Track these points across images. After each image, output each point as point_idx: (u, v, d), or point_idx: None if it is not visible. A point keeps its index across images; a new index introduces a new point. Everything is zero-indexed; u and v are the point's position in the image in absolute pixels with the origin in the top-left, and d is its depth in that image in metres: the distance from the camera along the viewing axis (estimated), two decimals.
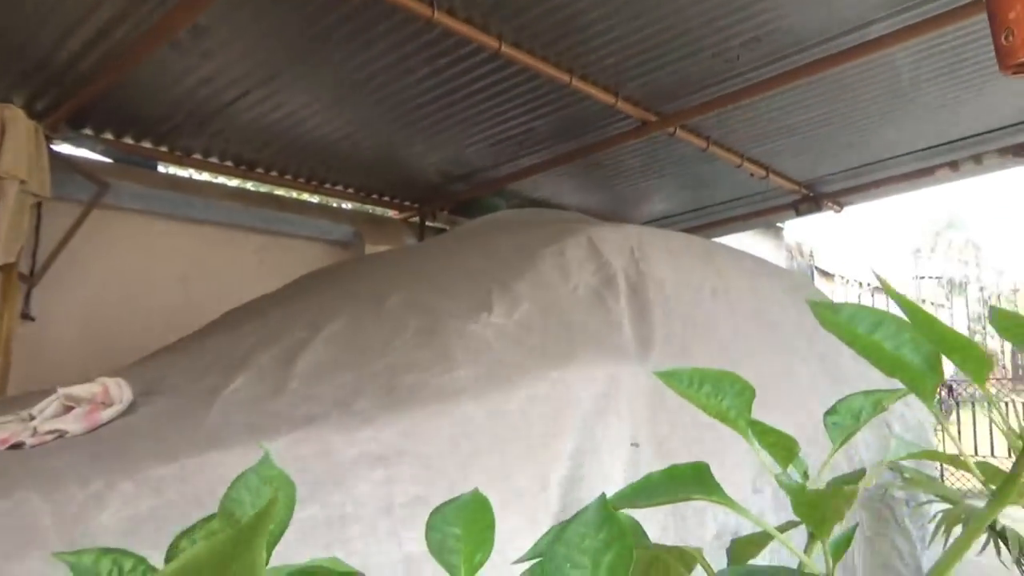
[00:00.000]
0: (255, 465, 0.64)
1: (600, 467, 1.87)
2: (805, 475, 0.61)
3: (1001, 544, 3.23)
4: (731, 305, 2.90)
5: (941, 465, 8.01)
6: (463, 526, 0.54)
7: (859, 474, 0.53)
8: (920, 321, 0.47)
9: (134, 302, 4.41)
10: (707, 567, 0.59)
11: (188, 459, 1.53)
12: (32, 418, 1.81)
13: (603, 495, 0.39)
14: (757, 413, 2.44)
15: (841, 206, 6.14)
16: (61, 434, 1.75)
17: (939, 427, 8.48)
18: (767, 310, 3.12)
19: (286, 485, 0.58)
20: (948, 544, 3.33)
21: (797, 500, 0.52)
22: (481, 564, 0.52)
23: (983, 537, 3.34)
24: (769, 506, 2.39)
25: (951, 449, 8.85)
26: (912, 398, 2.57)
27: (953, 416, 9.64)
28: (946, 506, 3.22)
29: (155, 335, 4.15)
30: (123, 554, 0.48)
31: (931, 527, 3.34)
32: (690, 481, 0.50)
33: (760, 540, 0.55)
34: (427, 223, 6.05)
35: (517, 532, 1.69)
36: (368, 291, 2.57)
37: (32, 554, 1.27)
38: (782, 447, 0.59)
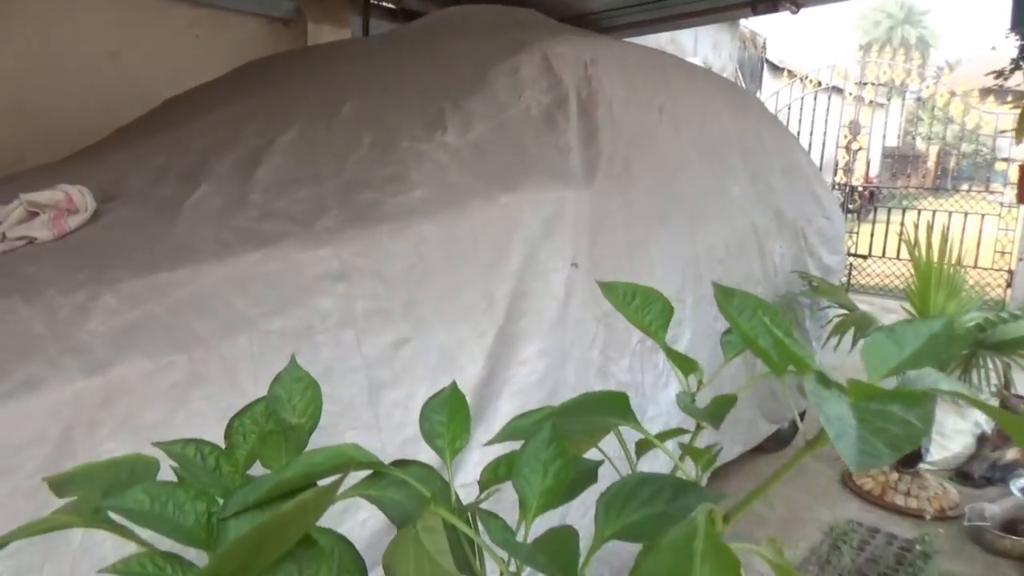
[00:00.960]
0: (287, 367, 0.77)
1: (543, 285, 2.06)
2: (700, 383, 0.78)
3: None
4: (676, 124, 2.99)
5: (850, 265, 8.70)
6: (447, 416, 0.70)
7: (730, 398, 0.70)
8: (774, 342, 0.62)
9: (63, 80, 4.20)
10: (621, 440, 0.77)
11: (163, 273, 1.64)
12: None
13: (552, 424, 0.55)
14: (692, 225, 2.64)
15: (798, 7, 6.04)
16: (30, 240, 1.81)
17: (852, 233, 9.08)
18: (709, 128, 3.23)
19: (312, 386, 0.72)
20: (839, 343, 3.78)
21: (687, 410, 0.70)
22: (460, 448, 0.69)
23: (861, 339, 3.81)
24: (689, 314, 2.68)
25: (862, 251, 9.50)
26: (835, 214, 2.83)
27: (871, 216, 10.33)
28: (843, 312, 3.63)
29: (89, 115, 4.03)
30: (202, 443, 0.62)
31: (827, 329, 3.78)
32: (613, 406, 0.66)
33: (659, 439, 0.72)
34: (371, 1, 5.73)
35: (466, 341, 1.91)
36: (318, 97, 2.56)
37: (33, 359, 1.38)
38: (684, 365, 0.76)
